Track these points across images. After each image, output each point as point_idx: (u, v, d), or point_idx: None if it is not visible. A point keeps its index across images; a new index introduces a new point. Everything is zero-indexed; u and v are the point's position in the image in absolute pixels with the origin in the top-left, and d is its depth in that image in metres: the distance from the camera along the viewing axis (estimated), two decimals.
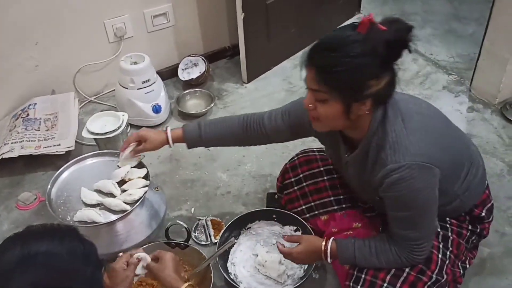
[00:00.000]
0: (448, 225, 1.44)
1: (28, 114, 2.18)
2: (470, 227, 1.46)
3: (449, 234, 1.42)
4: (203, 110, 2.35)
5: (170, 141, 1.54)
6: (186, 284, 1.25)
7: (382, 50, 1.09)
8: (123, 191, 1.60)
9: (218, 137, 1.55)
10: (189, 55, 2.57)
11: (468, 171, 1.38)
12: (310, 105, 1.19)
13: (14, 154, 2.00)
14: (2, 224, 1.86)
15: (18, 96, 2.27)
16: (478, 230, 1.48)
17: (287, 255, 1.46)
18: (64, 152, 2.03)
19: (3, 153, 1.99)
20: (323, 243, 1.40)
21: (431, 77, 2.59)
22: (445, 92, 2.48)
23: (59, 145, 2.06)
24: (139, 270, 1.32)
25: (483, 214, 1.46)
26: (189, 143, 1.56)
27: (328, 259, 1.39)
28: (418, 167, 1.17)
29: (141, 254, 1.32)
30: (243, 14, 2.30)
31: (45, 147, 2.05)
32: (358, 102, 1.15)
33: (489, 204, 1.49)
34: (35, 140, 2.07)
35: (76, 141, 2.10)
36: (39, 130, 2.13)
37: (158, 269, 1.31)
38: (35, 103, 2.23)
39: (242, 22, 2.33)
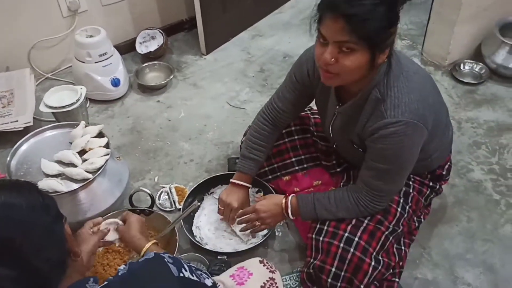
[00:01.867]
0: (411, 182, 1.51)
1: None
2: (430, 184, 1.54)
3: (411, 190, 1.50)
4: (163, 82, 2.35)
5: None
6: (151, 242, 1.28)
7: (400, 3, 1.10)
8: (84, 160, 1.60)
9: (269, 152, 1.64)
10: (146, 28, 2.55)
11: (443, 133, 1.45)
12: (332, 60, 1.14)
13: None
14: None
15: None
16: (437, 187, 1.57)
17: (251, 211, 1.51)
18: (22, 128, 2.00)
19: None
20: (283, 200, 1.46)
21: None
22: None
23: (17, 121, 2.03)
24: (112, 236, 1.34)
25: (444, 172, 1.55)
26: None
27: (290, 215, 1.45)
28: (413, 125, 1.20)
29: (109, 220, 1.34)
30: None
31: (2, 123, 2.02)
32: (382, 51, 1.15)
33: (449, 163, 1.58)
34: None
35: (34, 117, 2.07)
36: None
37: (123, 231, 1.33)
38: None
39: None
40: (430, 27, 2.39)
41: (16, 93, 2.15)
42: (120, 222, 1.36)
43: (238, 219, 1.59)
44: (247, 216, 1.54)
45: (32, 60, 2.37)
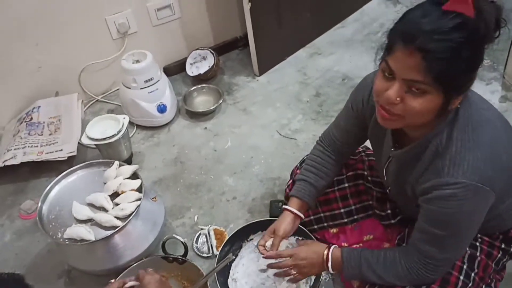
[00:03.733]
0: (478, 243, 1.27)
1: (31, 118, 2.13)
2: (502, 246, 1.29)
3: (478, 253, 1.25)
4: (211, 108, 2.24)
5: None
6: None
7: (491, 33, 0.91)
8: (116, 205, 1.52)
9: (327, 183, 1.46)
10: (198, 48, 2.45)
11: None
12: (397, 99, 0.96)
13: (16, 161, 1.95)
14: (5, 234, 1.82)
15: (22, 99, 2.23)
16: (511, 250, 1.31)
17: (287, 255, 1.34)
18: (66, 158, 1.97)
19: (6, 160, 1.96)
20: (325, 251, 1.28)
21: None
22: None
23: (62, 150, 2.00)
24: None
25: None
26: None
27: (330, 269, 1.27)
28: (475, 188, 0.99)
29: (131, 283, 1.23)
30: (250, 3, 2.14)
31: (47, 152, 2.00)
32: (457, 97, 0.96)
33: None
34: (37, 146, 2.02)
35: (80, 144, 2.03)
36: (42, 134, 2.07)
37: None
38: (39, 106, 2.17)
39: (249, 11, 2.18)
40: None
41: (64, 120, 2.13)
42: (137, 283, 1.25)
43: (269, 263, 1.40)
44: (282, 260, 1.37)
45: (82, 83, 2.35)
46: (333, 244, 1.30)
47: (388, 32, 0.96)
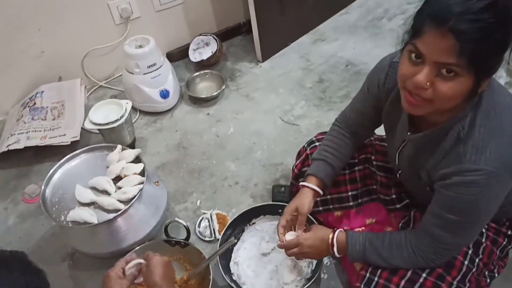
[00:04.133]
0: (484, 230, 1.26)
1: (35, 103, 2.13)
2: (509, 232, 1.29)
3: (483, 240, 1.25)
4: (214, 94, 2.23)
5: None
6: None
7: None
8: (118, 188, 1.53)
9: (343, 163, 1.45)
10: (200, 34, 2.44)
11: None
12: (427, 84, 0.92)
13: (20, 145, 1.96)
14: (8, 218, 1.84)
15: (26, 84, 2.23)
16: None
17: (294, 246, 1.34)
18: (69, 143, 1.98)
19: (9, 145, 1.96)
20: (330, 235, 1.28)
21: None
22: None
23: (65, 135, 2.01)
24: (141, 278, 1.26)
25: None
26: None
27: (336, 252, 1.27)
28: (497, 176, 0.98)
29: (132, 262, 1.25)
30: None
31: (51, 137, 2.00)
32: (487, 79, 0.94)
33: None
34: (41, 131, 2.03)
35: (83, 128, 2.04)
36: (45, 119, 2.08)
37: (145, 275, 1.23)
38: (42, 91, 2.18)
39: None
40: None
41: (67, 105, 2.13)
42: (144, 262, 1.26)
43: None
44: (289, 251, 1.37)
45: (85, 68, 2.34)
46: (337, 228, 1.30)
47: (414, 14, 0.93)
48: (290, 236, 1.37)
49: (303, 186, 1.40)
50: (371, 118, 1.36)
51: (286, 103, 2.20)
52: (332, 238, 1.27)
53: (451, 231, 1.09)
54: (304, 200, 1.36)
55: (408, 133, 1.16)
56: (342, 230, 1.28)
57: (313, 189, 1.38)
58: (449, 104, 0.96)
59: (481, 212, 1.05)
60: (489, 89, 1.00)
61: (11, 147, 1.96)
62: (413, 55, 0.94)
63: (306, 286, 1.42)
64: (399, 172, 1.33)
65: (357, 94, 1.38)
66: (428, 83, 0.92)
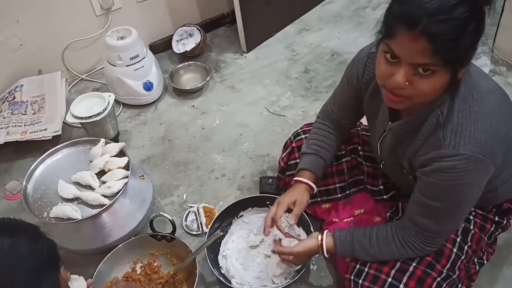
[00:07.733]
0: (471, 217, 1.27)
1: (14, 97, 2.07)
2: (496, 219, 1.29)
3: (471, 227, 1.25)
4: (198, 85, 2.20)
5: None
6: None
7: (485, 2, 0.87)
8: (103, 183, 1.49)
9: (331, 155, 1.43)
10: (184, 25, 2.40)
11: None
12: (406, 83, 0.92)
13: (0, 141, 1.91)
14: None
15: (4, 78, 2.17)
16: (504, 223, 1.31)
17: (287, 254, 1.34)
18: (51, 137, 1.93)
19: None
20: (319, 237, 1.27)
21: None
22: None
23: (46, 129, 1.96)
24: None
25: None
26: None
27: (326, 254, 1.27)
28: (477, 160, 0.97)
29: None
30: None
31: (32, 132, 1.95)
32: (463, 68, 0.93)
33: None
34: (21, 125, 1.97)
35: (64, 123, 1.99)
36: (25, 114, 2.02)
37: None
38: (22, 85, 2.12)
39: None
40: (504, 21, 2.05)
41: (47, 99, 2.08)
42: None
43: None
44: (284, 257, 1.37)
45: (66, 61, 2.29)
46: (324, 229, 1.29)
47: (384, 13, 0.91)
48: (287, 243, 1.38)
49: (299, 181, 1.38)
50: (353, 110, 1.36)
51: (272, 94, 2.18)
52: (321, 241, 1.26)
53: (434, 218, 1.09)
54: (303, 194, 1.35)
55: (389, 122, 1.15)
56: (329, 233, 1.27)
57: (308, 184, 1.36)
58: (430, 97, 0.96)
59: (462, 197, 1.05)
60: (467, 74, 0.99)
61: None
62: (388, 55, 0.92)
63: (296, 278, 1.41)
64: (382, 162, 1.32)
65: (337, 86, 1.38)
66: (406, 83, 0.92)
